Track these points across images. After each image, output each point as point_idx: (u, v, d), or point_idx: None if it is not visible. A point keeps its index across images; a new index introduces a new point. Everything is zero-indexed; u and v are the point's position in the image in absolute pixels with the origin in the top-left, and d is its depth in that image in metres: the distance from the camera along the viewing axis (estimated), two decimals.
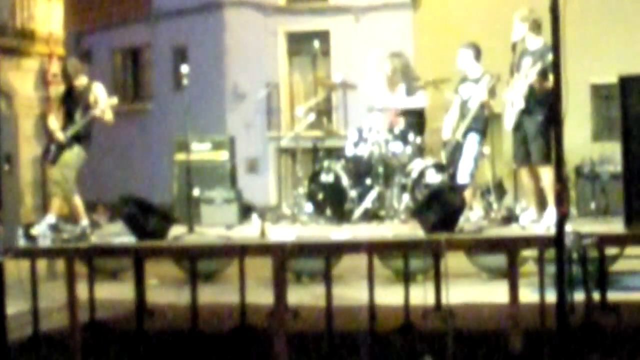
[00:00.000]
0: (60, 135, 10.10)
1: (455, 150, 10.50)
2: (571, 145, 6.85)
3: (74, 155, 10.14)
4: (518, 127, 9.40)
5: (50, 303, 10.28)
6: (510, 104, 9.41)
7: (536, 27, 9.29)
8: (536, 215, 9.32)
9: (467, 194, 9.96)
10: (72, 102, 10.25)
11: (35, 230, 9.74)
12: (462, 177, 10.36)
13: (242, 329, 9.80)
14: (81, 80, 10.28)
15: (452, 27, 19.67)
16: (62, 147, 10.12)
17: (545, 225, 8.73)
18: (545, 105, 9.08)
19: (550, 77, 8.95)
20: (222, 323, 10.09)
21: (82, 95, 10.20)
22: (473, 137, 10.43)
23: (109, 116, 10.23)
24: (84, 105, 10.14)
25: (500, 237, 8.62)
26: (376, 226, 10.24)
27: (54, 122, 10.31)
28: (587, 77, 18.81)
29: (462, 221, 8.73)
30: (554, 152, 5.17)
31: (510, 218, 9.57)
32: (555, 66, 5.11)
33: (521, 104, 9.25)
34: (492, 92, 10.30)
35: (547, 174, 9.10)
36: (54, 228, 9.92)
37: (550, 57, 8.82)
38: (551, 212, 8.76)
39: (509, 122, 9.48)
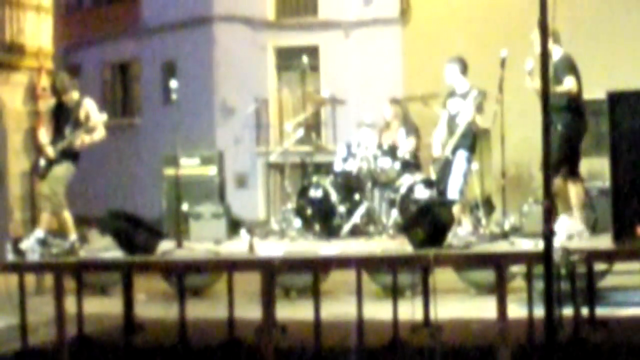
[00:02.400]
0: (49, 151, 10.05)
1: (445, 167, 10.50)
2: None
3: (63, 169, 10.08)
4: None
5: (39, 317, 10.22)
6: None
7: (556, 37, 9.25)
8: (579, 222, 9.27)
9: (456, 209, 9.96)
10: (62, 117, 10.18)
11: (23, 245, 9.70)
12: (452, 194, 10.35)
13: (230, 344, 9.77)
14: (72, 96, 10.22)
15: (441, 42, 19.65)
16: (51, 162, 10.07)
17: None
18: (565, 115, 9.01)
19: (571, 85, 9.08)
20: (210, 338, 10.05)
21: (72, 110, 10.14)
22: (462, 154, 10.42)
23: (100, 134, 10.16)
24: (74, 121, 10.09)
25: (489, 253, 8.63)
26: (365, 241, 10.25)
27: (44, 137, 10.25)
28: None
29: (450, 237, 8.75)
30: (542, 169, 5.16)
31: (506, 234, 9.49)
32: (544, 81, 5.12)
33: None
34: (479, 109, 10.31)
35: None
36: (43, 243, 9.86)
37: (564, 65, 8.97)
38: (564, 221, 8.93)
39: None
